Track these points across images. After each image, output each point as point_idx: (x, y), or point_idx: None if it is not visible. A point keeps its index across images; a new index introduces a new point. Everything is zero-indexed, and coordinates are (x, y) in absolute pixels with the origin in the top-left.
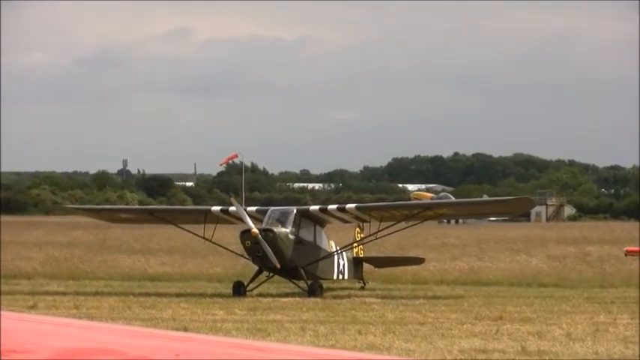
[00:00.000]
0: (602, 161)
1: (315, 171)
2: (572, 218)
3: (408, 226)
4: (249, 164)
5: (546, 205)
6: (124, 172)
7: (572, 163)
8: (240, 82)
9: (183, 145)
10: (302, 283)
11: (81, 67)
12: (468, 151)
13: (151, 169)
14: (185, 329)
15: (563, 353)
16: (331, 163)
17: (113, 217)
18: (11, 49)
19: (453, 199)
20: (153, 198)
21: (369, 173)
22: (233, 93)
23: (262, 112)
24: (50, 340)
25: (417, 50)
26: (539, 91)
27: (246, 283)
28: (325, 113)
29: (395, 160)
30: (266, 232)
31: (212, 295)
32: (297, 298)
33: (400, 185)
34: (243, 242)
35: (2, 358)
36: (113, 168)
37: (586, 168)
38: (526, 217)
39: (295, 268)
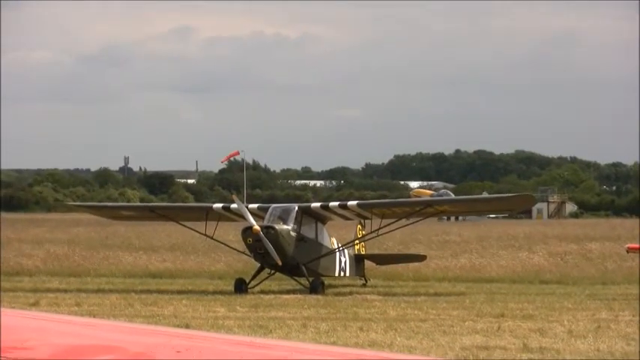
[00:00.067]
0: (603, 158)
1: (317, 168)
2: (574, 215)
3: (409, 223)
4: (250, 162)
5: (548, 202)
6: (125, 170)
7: (573, 160)
8: (241, 80)
9: (185, 142)
10: (303, 280)
11: (83, 65)
12: (470, 148)
13: (153, 166)
14: (187, 326)
15: (565, 350)
16: (333, 161)
17: (115, 214)
18: (13, 48)
19: (452, 196)
20: (154, 195)
21: (370, 170)
22: (235, 91)
23: (264, 110)
24: (52, 338)
25: (419, 48)
26: (540, 89)
27: (247, 281)
28: (327, 111)
29: (397, 157)
30: (267, 230)
31: (214, 292)
32: (299, 295)
33: (402, 182)
34: (244, 239)
35: (4, 355)
36: (115, 165)
37: (587, 165)
38: (527, 214)
39: (297, 265)
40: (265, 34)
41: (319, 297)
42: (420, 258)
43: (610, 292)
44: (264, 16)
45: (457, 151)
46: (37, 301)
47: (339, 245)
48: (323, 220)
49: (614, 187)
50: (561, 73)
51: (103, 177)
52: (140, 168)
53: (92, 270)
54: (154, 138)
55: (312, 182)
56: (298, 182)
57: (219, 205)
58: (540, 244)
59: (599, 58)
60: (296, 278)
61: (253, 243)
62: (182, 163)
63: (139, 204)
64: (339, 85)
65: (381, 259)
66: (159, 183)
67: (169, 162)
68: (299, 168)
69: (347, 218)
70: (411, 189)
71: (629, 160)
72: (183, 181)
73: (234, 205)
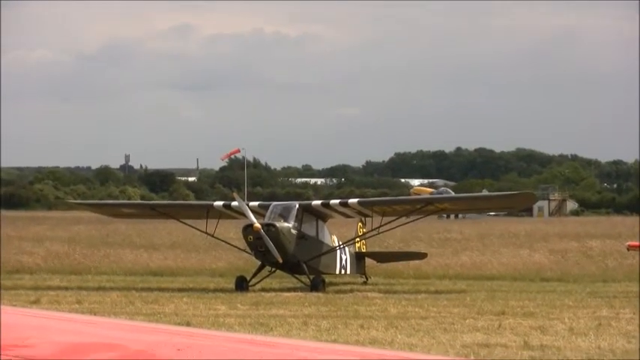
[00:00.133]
0: (604, 156)
1: (318, 166)
2: (575, 213)
3: (410, 221)
4: (251, 159)
5: (549, 199)
6: (126, 168)
7: (574, 157)
8: (242, 78)
9: (186, 140)
10: (304, 278)
11: (84, 64)
12: (471, 146)
13: (154, 164)
14: (188, 324)
15: (566, 348)
16: (333, 158)
17: (115, 212)
18: (13, 47)
19: (452, 194)
20: (155, 193)
21: (371, 168)
22: (235, 89)
23: (265, 108)
24: (53, 335)
25: (419, 47)
26: (541, 87)
27: (248, 278)
28: (327, 109)
29: (397, 155)
30: (268, 227)
31: (214, 290)
32: (300, 293)
33: (402, 180)
34: (245, 237)
35: (5, 352)
36: (115, 163)
37: (588, 163)
38: (528, 212)
39: (298, 263)
40: (265, 32)
41: (320, 295)
42: (421, 256)
43: (611, 289)
44: (264, 15)
45: (458, 148)
46: (38, 299)
47: (340, 243)
48: (324, 218)
49: (614, 185)
50: (562, 72)
51: (104, 175)
52: (141, 166)
53: (93, 268)
54: (155, 136)
55: (312, 180)
56: (299, 180)
57: (220, 202)
58: (541, 242)
59: (599, 56)
60: (297, 276)
61: (254, 241)
62: (183, 160)
63: (139, 202)
64: (340, 84)
65: (382, 257)
66: (160, 181)
67: (170, 160)
68: (300, 166)
69: (348, 216)
70: (412, 187)
71: (629, 157)
72: (184, 178)
73: (234, 203)
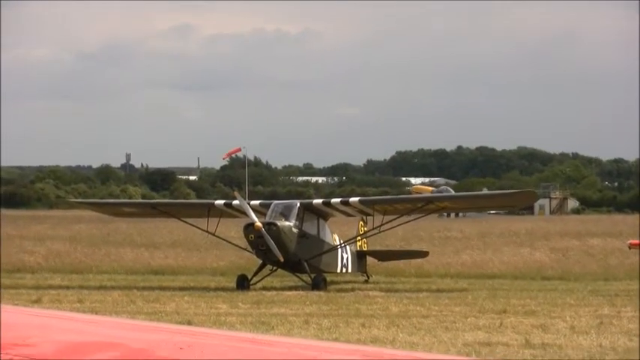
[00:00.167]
0: (605, 154)
1: (319, 165)
2: (576, 211)
3: (411, 220)
4: (252, 158)
5: (550, 198)
6: (127, 166)
7: (575, 156)
8: (243, 77)
9: (187, 139)
10: (305, 277)
11: (84, 63)
12: (472, 144)
13: (155, 163)
14: (189, 323)
15: (567, 346)
16: (334, 157)
17: (116, 211)
18: (14, 46)
19: (453, 192)
20: (156, 192)
21: (372, 167)
22: (236, 88)
23: (265, 107)
24: (54, 334)
25: (421, 45)
26: (541, 87)
27: (249, 277)
28: (328, 107)
29: (398, 153)
30: (269, 226)
31: (216, 289)
32: (301, 292)
33: (404, 179)
34: (246, 236)
35: (6, 351)
36: (116, 162)
37: (589, 161)
38: (530, 210)
39: (299, 262)
40: (266, 30)
41: (321, 293)
42: (422, 254)
43: (612, 288)
44: (265, 13)
45: (459, 147)
46: (40, 298)
47: (341, 242)
48: (325, 217)
49: (615, 184)
50: (562, 72)
51: (105, 174)
52: (142, 165)
53: (94, 267)
54: (156, 135)
55: (313, 179)
56: (300, 179)
57: (221, 201)
58: (542, 240)
59: (599, 56)
60: (298, 275)
61: (255, 239)
62: (184, 159)
63: (140, 201)
64: (341, 82)
65: (383, 256)
66: (160, 180)
67: (171, 159)
68: (301, 164)
69: (349, 215)
70: (413, 185)
71: (630, 156)
72: (184, 177)
73: (235, 202)
